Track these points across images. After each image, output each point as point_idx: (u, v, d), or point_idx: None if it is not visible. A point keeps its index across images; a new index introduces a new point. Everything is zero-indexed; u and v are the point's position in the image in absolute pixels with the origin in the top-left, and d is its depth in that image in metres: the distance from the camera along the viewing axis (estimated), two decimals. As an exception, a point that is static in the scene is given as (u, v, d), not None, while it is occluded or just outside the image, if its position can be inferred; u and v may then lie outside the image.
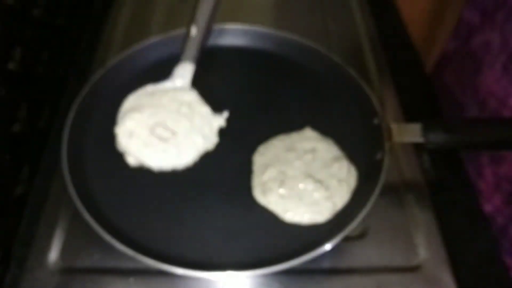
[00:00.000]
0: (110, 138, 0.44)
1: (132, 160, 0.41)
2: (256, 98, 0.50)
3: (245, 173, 0.42)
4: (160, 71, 0.51)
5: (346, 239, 0.36)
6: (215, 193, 0.41)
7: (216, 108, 0.48)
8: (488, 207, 0.49)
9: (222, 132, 0.46)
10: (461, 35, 0.59)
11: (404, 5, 0.70)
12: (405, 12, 0.68)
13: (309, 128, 0.45)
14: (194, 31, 0.40)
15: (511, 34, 0.46)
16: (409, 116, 0.52)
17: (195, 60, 0.41)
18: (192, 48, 0.41)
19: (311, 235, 0.38)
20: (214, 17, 0.42)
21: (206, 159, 0.43)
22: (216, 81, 0.52)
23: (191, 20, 0.41)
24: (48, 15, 0.53)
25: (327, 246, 0.34)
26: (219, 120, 0.45)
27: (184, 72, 0.40)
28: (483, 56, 0.52)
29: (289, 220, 0.39)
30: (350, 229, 0.35)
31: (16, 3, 0.44)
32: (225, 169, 0.42)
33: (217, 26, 0.54)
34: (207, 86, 0.51)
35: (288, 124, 0.46)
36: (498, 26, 0.49)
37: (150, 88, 0.45)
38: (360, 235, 0.41)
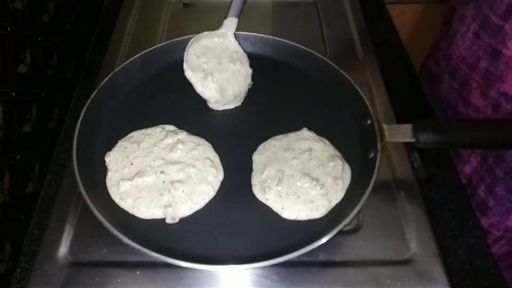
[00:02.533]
0: (117, 138, 0.46)
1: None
2: (256, 101, 0.52)
3: (246, 171, 0.44)
4: (166, 76, 0.54)
5: (341, 233, 0.37)
6: (217, 191, 0.42)
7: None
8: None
9: (224, 132, 0.48)
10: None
11: (395, 12, 0.73)
12: (396, 18, 0.71)
13: (306, 129, 0.47)
14: None
15: (484, 1, 0.48)
16: (400, 117, 0.54)
17: (238, 15, 0.50)
18: (236, 5, 0.50)
19: (308, 230, 0.40)
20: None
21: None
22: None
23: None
24: (57, 21, 0.55)
25: (323, 240, 0.36)
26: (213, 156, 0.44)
27: (230, 24, 0.50)
28: (458, 27, 0.54)
29: (287, 217, 0.41)
30: (345, 224, 0.37)
31: (26, 9, 0.46)
32: (227, 168, 0.44)
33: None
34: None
35: (286, 125, 0.48)
36: None
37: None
38: (354, 230, 0.42)
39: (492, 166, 0.49)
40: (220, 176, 0.43)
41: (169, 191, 0.41)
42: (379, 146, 0.42)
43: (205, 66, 0.48)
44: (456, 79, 0.54)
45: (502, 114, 0.49)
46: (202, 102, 0.51)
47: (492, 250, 0.49)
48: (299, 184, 0.42)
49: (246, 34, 0.57)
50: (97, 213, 0.37)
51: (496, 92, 0.48)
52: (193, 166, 0.43)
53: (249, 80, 0.51)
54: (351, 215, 0.37)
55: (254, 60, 0.56)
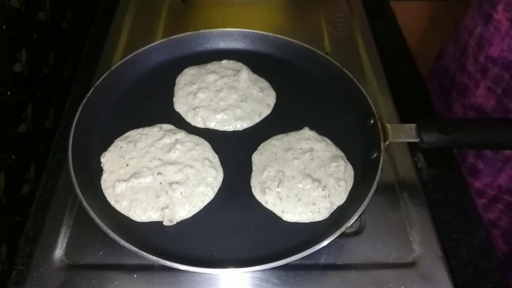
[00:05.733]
0: (114, 137, 0.45)
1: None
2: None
3: (246, 172, 0.43)
4: (164, 74, 0.53)
5: (343, 235, 0.36)
6: (217, 192, 0.41)
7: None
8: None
9: (223, 132, 0.47)
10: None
11: (398, 9, 0.72)
12: (399, 16, 0.70)
13: (307, 128, 0.46)
14: None
15: None
16: (403, 116, 0.53)
17: None
18: None
19: (309, 232, 0.39)
20: None
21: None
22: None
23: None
24: (53, 19, 0.54)
25: (324, 243, 0.35)
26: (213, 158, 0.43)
27: None
28: (472, 1, 0.56)
29: (288, 220, 0.40)
30: (347, 226, 0.36)
31: (22, 6, 0.46)
32: (226, 168, 0.43)
33: (217, 30, 0.55)
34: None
35: (287, 124, 0.47)
36: None
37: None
38: (357, 232, 0.42)
39: None
40: (220, 177, 0.43)
41: (167, 193, 0.40)
42: (382, 146, 0.41)
43: None
44: (459, 45, 0.57)
45: (489, 78, 0.52)
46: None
47: (490, 215, 0.50)
48: (300, 185, 0.41)
49: (246, 31, 0.56)
50: (93, 215, 0.36)
51: (484, 57, 0.51)
52: (191, 166, 0.42)
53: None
54: (354, 217, 0.36)
55: (254, 57, 0.55)
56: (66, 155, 0.40)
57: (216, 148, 0.45)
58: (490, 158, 0.51)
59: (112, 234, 0.35)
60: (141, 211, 0.39)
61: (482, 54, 0.53)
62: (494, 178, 0.52)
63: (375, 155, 0.42)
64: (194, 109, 0.48)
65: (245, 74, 0.51)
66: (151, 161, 0.42)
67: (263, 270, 0.38)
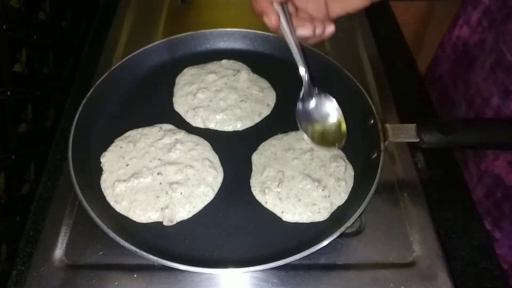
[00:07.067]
0: (114, 137, 0.45)
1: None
2: (256, 99, 0.51)
3: (246, 172, 0.43)
4: (164, 74, 0.53)
5: (343, 235, 0.37)
6: (217, 192, 0.42)
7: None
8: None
9: (223, 131, 0.47)
10: (458, 33, 0.59)
11: (398, 9, 0.72)
12: (399, 16, 0.70)
13: (307, 128, 0.47)
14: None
15: (503, 35, 0.47)
16: (403, 116, 0.53)
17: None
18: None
19: (309, 232, 0.39)
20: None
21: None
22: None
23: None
24: (53, 18, 0.54)
25: (324, 243, 0.35)
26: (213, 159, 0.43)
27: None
28: (477, 55, 0.53)
29: (287, 220, 0.40)
30: (347, 226, 0.36)
31: (22, 6, 0.46)
32: (226, 168, 0.44)
33: (217, 30, 0.55)
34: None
35: (287, 124, 0.47)
36: (495, 26, 0.49)
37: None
38: (356, 232, 0.42)
39: (500, 201, 0.49)
40: (220, 177, 0.43)
41: (167, 193, 0.40)
42: (382, 146, 0.41)
43: None
44: (472, 109, 0.53)
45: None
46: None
47: None
48: (300, 185, 0.41)
49: (246, 31, 0.56)
50: (93, 215, 0.36)
51: None
52: (191, 166, 0.42)
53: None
54: (354, 217, 0.36)
55: (254, 57, 0.55)
56: (66, 155, 0.41)
57: (216, 148, 0.45)
58: (509, 231, 0.48)
59: (112, 234, 0.35)
60: (141, 212, 0.39)
61: None
62: (509, 251, 0.48)
63: (375, 155, 0.42)
64: (193, 109, 0.48)
65: (245, 74, 0.51)
66: (151, 161, 0.42)
67: (263, 270, 0.38)
